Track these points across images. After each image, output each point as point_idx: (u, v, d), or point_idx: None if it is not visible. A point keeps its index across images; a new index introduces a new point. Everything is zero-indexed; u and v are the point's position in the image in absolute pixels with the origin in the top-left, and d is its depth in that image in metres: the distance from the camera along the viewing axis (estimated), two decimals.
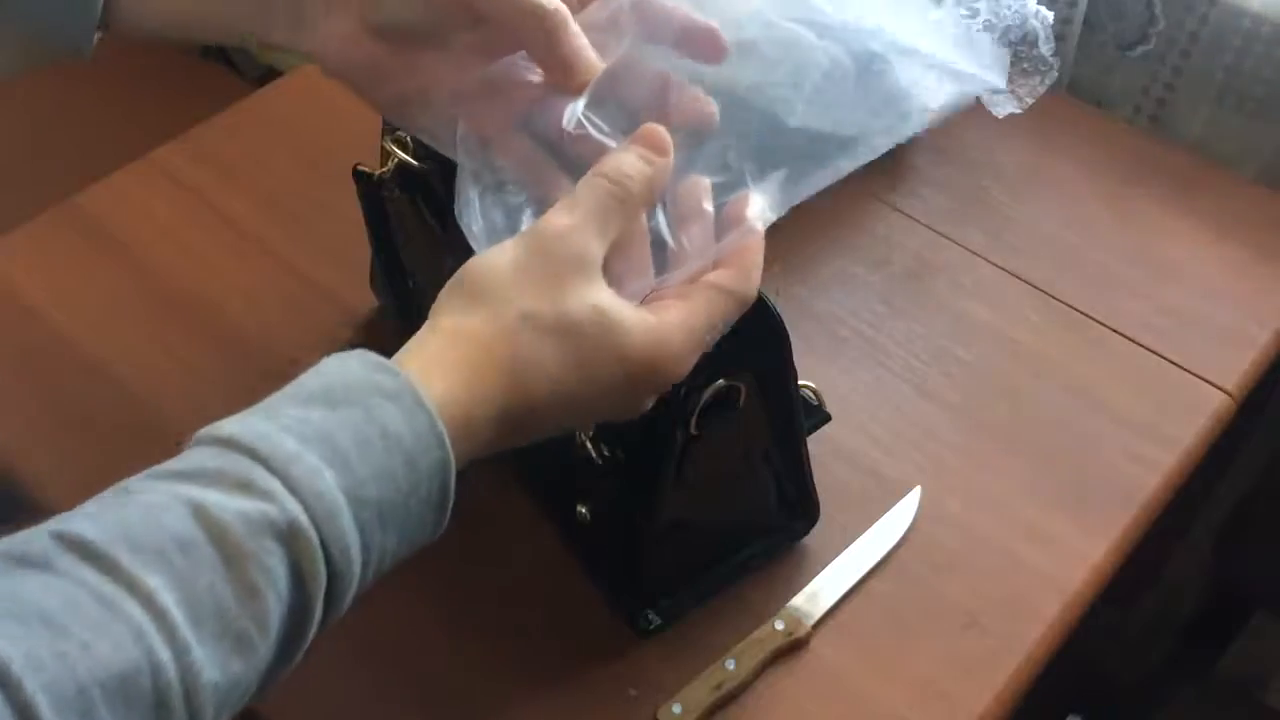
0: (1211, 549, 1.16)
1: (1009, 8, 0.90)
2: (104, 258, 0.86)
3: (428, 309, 0.51)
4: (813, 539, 0.71)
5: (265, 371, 0.78)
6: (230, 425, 0.43)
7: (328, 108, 0.93)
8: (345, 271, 0.82)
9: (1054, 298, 0.85)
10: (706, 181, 0.55)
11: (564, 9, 0.53)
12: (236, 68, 1.64)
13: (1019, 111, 0.88)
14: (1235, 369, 0.81)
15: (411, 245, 0.74)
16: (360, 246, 0.78)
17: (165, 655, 0.38)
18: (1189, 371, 0.80)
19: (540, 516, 0.72)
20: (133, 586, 0.38)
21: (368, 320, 0.82)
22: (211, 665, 0.39)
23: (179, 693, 0.38)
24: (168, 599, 0.39)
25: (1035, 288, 0.85)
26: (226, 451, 0.42)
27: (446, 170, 0.66)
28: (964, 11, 0.90)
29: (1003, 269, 0.86)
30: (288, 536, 0.41)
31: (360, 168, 0.71)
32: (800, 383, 0.63)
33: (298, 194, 0.89)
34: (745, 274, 0.53)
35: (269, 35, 0.56)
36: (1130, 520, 0.73)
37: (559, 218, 0.50)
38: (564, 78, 0.54)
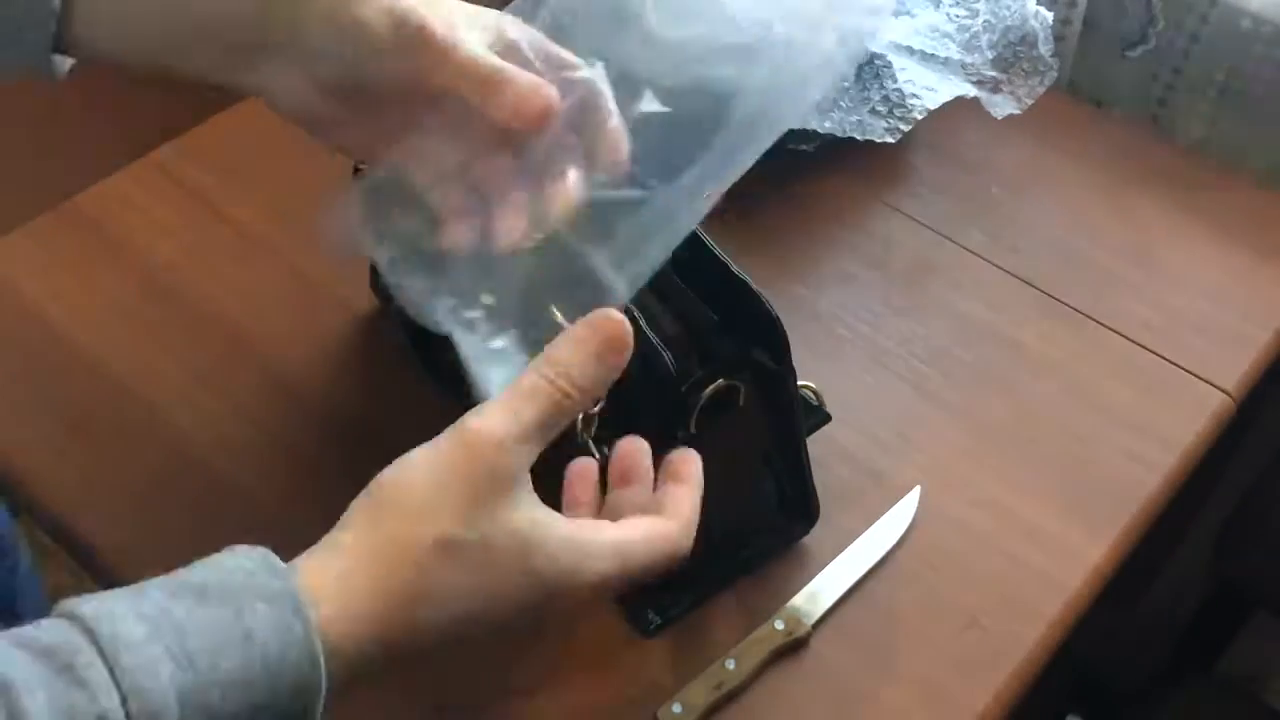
0: (1211, 549, 1.16)
1: (1008, 8, 0.90)
2: (104, 258, 0.86)
3: None
4: (813, 539, 0.71)
5: (264, 371, 0.79)
6: (89, 601, 0.41)
7: None
8: (345, 271, 0.82)
9: (1054, 298, 0.85)
10: (645, 444, 0.53)
11: (508, 67, 0.52)
12: None
13: (1018, 112, 0.89)
14: (1235, 369, 0.81)
15: None
16: None
17: None
18: (1189, 371, 0.80)
19: None
20: None
21: (368, 320, 0.82)
22: None
23: None
24: None
25: (1035, 288, 0.85)
26: (70, 627, 0.40)
27: None
28: (963, 12, 0.90)
29: (1003, 269, 0.86)
30: None
31: (361, 167, 0.71)
32: (800, 383, 0.63)
33: (298, 194, 0.89)
34: (687, 527, 0.51)
35: (234, 79, 0.55)
36: (1130, 520, 0.73)
37: (496, 424, 0.47)
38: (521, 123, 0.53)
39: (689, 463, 0.53)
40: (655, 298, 0.61)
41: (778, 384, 0.61)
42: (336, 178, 0.73)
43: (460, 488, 0.46)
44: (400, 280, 0.54)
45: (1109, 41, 0.98)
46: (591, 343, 0.49)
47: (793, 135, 0.86)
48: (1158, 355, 0.81)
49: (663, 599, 0.68)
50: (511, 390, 0.48)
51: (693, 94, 0.55)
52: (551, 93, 0.52)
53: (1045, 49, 0.89)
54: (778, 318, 0.59)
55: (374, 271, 0.80)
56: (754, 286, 0.59)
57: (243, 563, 0.43)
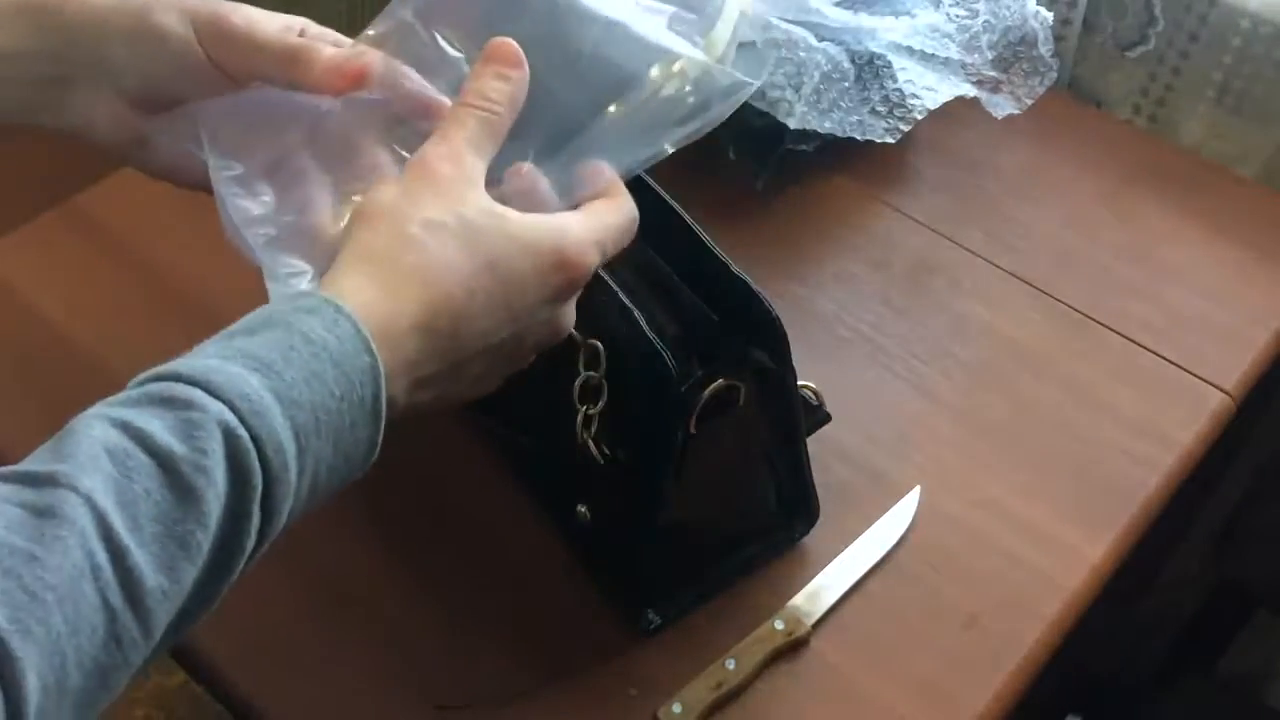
0: (1211, 549, 1.16)
1: (1008, 8, 0.90)
2: (104, 258, 0.86)
3: None
4: (813, 539, 0.71)
5: None
6: (155, 369, 0.44)
7: None
8: None
9: (1054, 298, 0.85)
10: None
11: (312, 44, 0.56)
12: None
13: (1018, 112, 0.89)
14: (1235, 369, 0.81)
15: None
16: None
17: (103, 558, 0.38)
18: (1189, 371, 0.80)
19: (540, 516, 0.72)
20: (74, 488, 0.39)
21: None
22: (154, 570, 0.39)
23: (121, 596, 0.38)
24: (106, 502, 0.39)
25: (1035, 288, 0.85)
26: (149, 382, 0.43)
27: None
28: (963, 12, 0.90)
29: (1003, 269, 0.86)
30: (220, 437, 0.41)
31: None
32: (800, 383, 0.63)
33: None
34: (626, 197, 0.55)
35: (37, 119, 0.57)
36: (1130, 520, 0.73)
37: (436, 147, 0.52)
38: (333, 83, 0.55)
39: (597, 168, 0.55)
40: (655, 298, 0.61)
41: (778, 384, 0.61)
42: None
43: (427, 188, 0.51)
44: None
45: (1109, 41, 0.98)
46: (489, 66, 0.54)
47: (793, 135, 0.86)
48: (1158, 355, 0.81)
49: (663, 599, 0.68)
50: (441, 123, 0.53)
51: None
52: (367, 58, 0.56)
53: (1045, 49, 0.89)
54: (778, 318, 0.59)
55: None
56: (754, 286, 0.59)
57: (269, 304, 0.47)
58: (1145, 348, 0.82)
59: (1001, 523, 0.73)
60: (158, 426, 0.41)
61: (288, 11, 0.59)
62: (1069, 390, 0.80)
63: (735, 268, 0.60)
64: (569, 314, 0.55)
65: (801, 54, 0.83)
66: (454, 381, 0.52)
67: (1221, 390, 0.80)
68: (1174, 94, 0.97)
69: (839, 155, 0.89)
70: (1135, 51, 0.97)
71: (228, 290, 0.83)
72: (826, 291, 0.85)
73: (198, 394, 0.42)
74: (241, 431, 0.41)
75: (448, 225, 0.50)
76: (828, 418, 0.69)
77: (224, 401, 0.42)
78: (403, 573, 0.70)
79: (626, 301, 0.58)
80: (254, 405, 0.42)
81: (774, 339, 0.59)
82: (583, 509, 0.66)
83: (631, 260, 0.62)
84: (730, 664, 0.65)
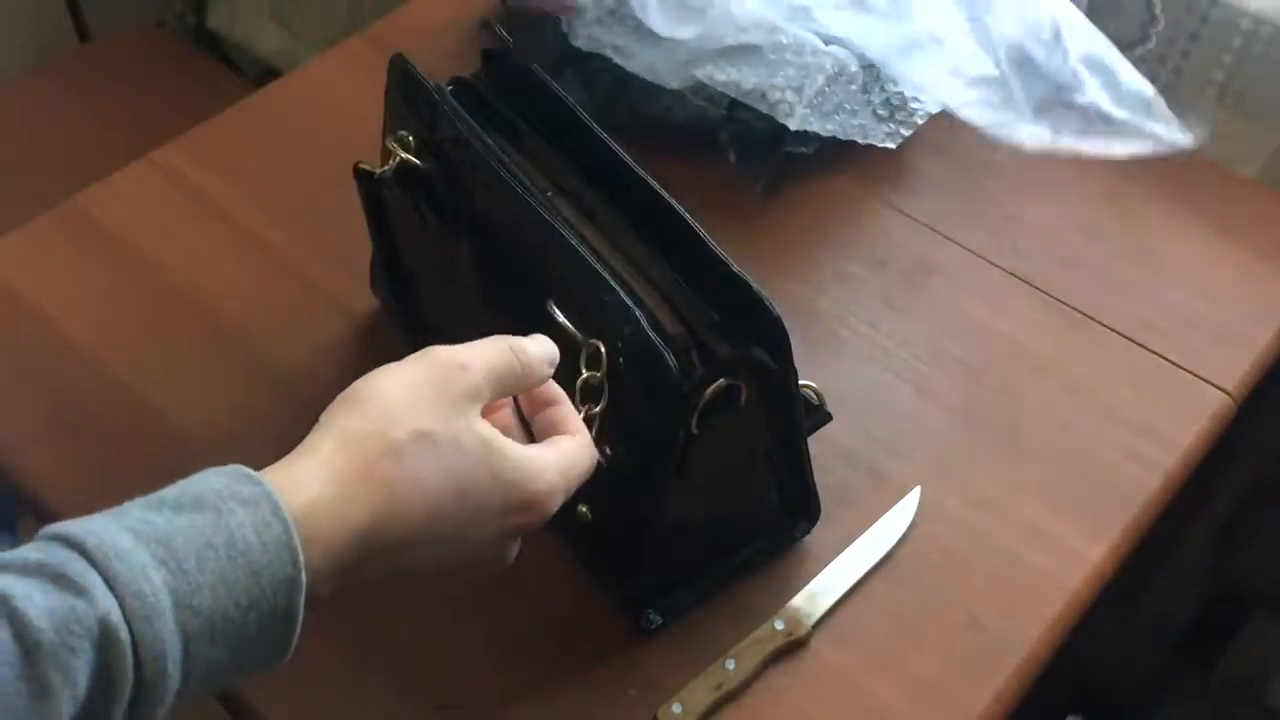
0: (1211, 549, 1.16)
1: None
2: (104, 258, 0.86)
3: (427, 309, 0.51)
4: (813, 539, 0.71)
5: (265, 371, 0.79)
6: (70, 523, 0.42)
7: (328, 108, 0.93)
8: (345, 271, 0.82)
9: (1054, 298, 0.85)
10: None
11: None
12: (237, 67, 1.64)
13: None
14: (1235, 369, 0.81)
15: (412, 244, 0.75)
16: (361, 247, 0.78)
17: None
18: (1189, 371, 0.80)
19: None
20: None
21: (368, 320, 0.82)
22: None
23: None
24: None
25: (1035, 288, 0.85)
26: (55, 545, 0.41)
27: (448, 170, 0.67)
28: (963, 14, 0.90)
29: (1003, 269, 0.86)
30: (96, 636, 0.39)
31: (361, 166, 0.71)
32: (801, 382, 0.63)
33: (298, 194, 0.89)
34: (587, 437, 0.57)
35: None
36: (1130, 520, 0.73)
37: (459, 355, 0.52)
38: None
39: (549, 385, 0.57)
40: (656, 297, 0.61)
41: (779, 384, 0.61)
42: (336, 178, 0.73)
43: (432, 394, 0.50)
44: None
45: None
46: (540, 342, 0.56)
47: (793, 137, 0.86)
48: (1158, 355, 0.81)
49: (663, 599, 0.68)
50: (473, 341, 0.54)
51: None
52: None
53: None
54: (779, 317, 0.59)
55: (373, 271, 0.80)
56: (755, 286, 0.59)
57: (214, 477, 0.45)
58: (1145, 348, 0.82)
59: (1001, 523, 0.73)
60: (39, 608, 0.39)
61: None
62: (1069, 390, 0.80)
63: (736, 267, 0.60)
64: (515, 549, 0.55)
65: (807, 58, 0.83)
66: (388, 585, 0.51)
67: (1221, 390, 0.80)
68: (1174, 94, 0.97)
69: (839, 156, 0.89)
70: (1135, 51, 0.97)
71: (227, 290, 0.84)
72: (826, 291, 0.85)
73: (94, 580, 0.40)
74: (124, 634, 0.39)
75: (436, 441, 0.49)
76: (828, 417, 0.69)
77: (117, 596, 0.40)
78: None
79: (627, 301, 0.58)
80: (147, 608, 0.40)
81: (775, 338, 0.59)
82: (583, 509, 0.66)
83: (632, 260, 0.62)
84: (730, 664, 0.65)
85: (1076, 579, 0.71)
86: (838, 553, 0.71)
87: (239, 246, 0.86)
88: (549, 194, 0.65)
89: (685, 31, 0.83)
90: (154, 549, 0.41)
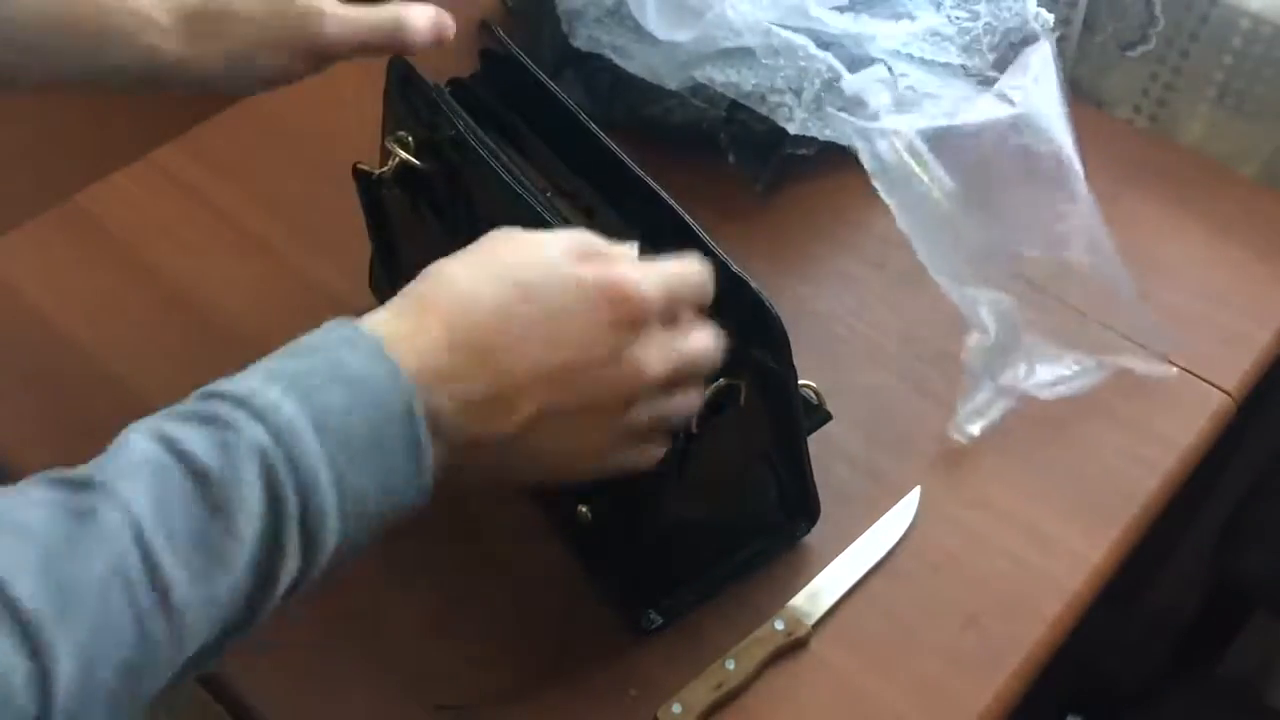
0: (1211, 549, 1.16)
1: (1009, 10, 0.90)
2: (104, 258, 0.86)
3: None
4: (813, 539, 0.71)
5: None
6: (207, 386, 0.46)
7: (328, 108, 0.93)
8: (345, 271, 0.82)
9: (1054, 297, 0.84)
10: None
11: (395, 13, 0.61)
12: None
13: None
14: (1235, 369, 0.81)
15: (412, 244, 0.75)
16: (360, 246, 0.78)
17: (135, 561, 0.40)
18: (1189, 371, 0.80)
19: (541, 517, 0.72)
20: (114, 495, 0.40)
21: None
22: (186, 578, 0.40)
23: (151, 599, 0.40)
24: (142, 511, 0.40)
25: (1035, 287, 0.85)
26: (195, 399, 0.45)
27: (447, 170, 0.67)
28: (964, 14, 0.90)
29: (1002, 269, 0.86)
30: (256, 461, 0.43)
31: (360, 167, 0.71)
32: (800, 382, 0.63)
33: (298, 194, 0.89)
34: (697, 260, 0.56)
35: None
36: (1130, 520, 0.73)
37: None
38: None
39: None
40: None
41: (778, 383, 0.61)
42: (336, 178, 0.73)
43: (486, 240, 0.53)
44: None
45: (1109, 41, 0.98)
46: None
47: (792, 139, 0.86)
48: (1158, 355, 0.81)
49: (663, 599, 0.68)
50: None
51: None
52: (446, 19, 0.62)
53: None
54: (778, 316, 0.59)
55: (373, 271, 0.80)
56: (754, 285, 0.59)
57: (314, 334, 0.48)
58: (1146, 347, 0.82)
59: (1001, 523, 0.73)
60: (199, 445, 0.42)
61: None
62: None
63: (735, 266, 0.60)
64: (647, 352, 0.52)
65: (801, 62, 0.83)
66: (499, 403, 0.49)
67: (1221, 390, 0.80)
68: (1174, 94, 0.97)
69: (839, 156, 0.89)
70: (1135, 51, 0.97)
71: (227, 290, 0.84)
72: (826, 291, 0.85)
73: (240, 416, 0.43)
74: (277, 457, 0.43)
75: (483, 263, 0.51)
76: (829, 417, 0.69)
77: (263, 425, 0.43)
78: (402, 573, 0.70)
79: None
80: (290, 431, 0.43)
81: (775, 338, 0.59)
82: (584, 509, 0.66)
83: None
84: (730, 664, 0.65)
85: (1076, 579, 0.71)
86: (838, 553, 0.71)
87: (238, 246, 0.86)
88: (548, 194, 0.65)
89: (683, 34, 0.83)
90: (284, 385, 0.44)
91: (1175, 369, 0.80)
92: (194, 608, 0.41)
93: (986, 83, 0.89)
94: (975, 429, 0.76)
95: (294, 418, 0.44)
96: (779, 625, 0.67)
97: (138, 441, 0.43)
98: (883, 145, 0.74)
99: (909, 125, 0.76)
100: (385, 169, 0.68)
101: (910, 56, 0.87)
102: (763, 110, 0.84)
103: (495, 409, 0.49)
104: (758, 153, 0.89)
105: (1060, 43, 0.96)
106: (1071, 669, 0.75)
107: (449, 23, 0.62)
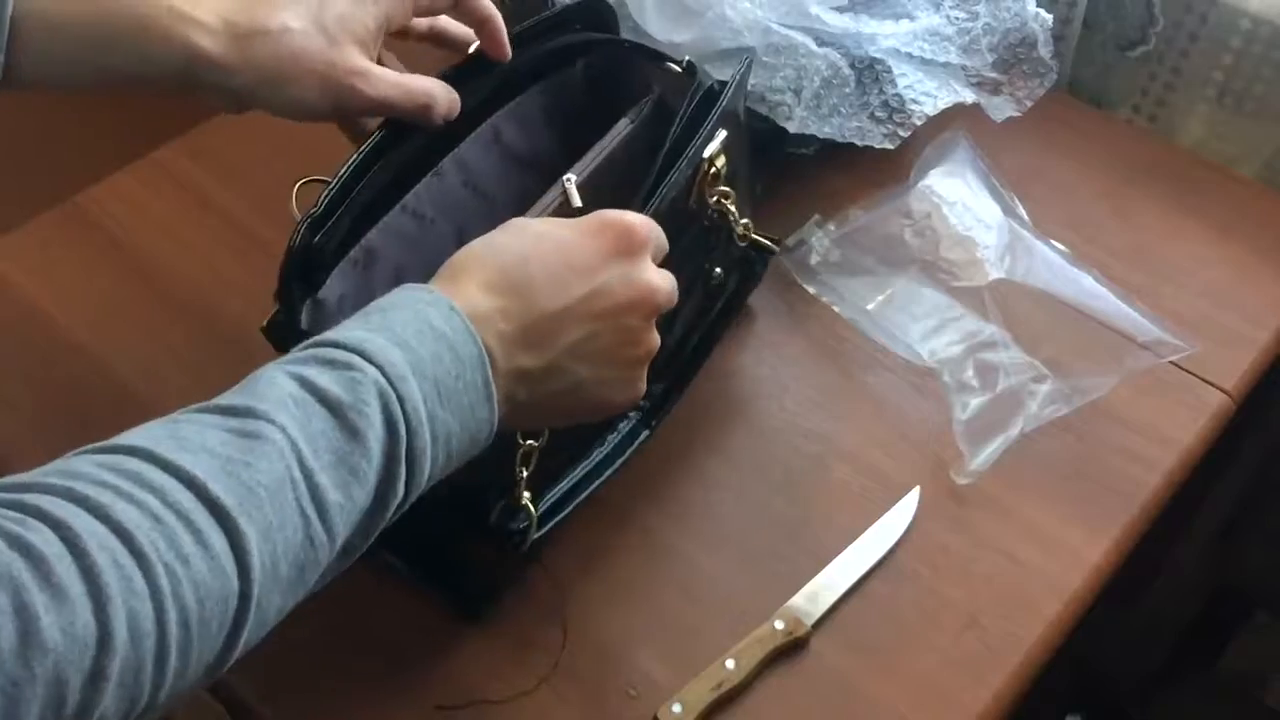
0: (1211, 549, 1.16)
1: (1008, 10, 0.90)
2: (104, 257, 0.86)
3: None
4: (813, 539, 0.71)
5: None
6: (314, 338, 0.52)
7: None
8: None
9: (1054, 297, 0.84)
10: None
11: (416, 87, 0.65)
12: None
13: (1018, 114, 0.89)
14: (1235, 369, 0.81)
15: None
16: None
17: (297, 473, 0.46)
18: (1189, 371, 0.80)
19: None
20: (271, 420, 0.46)
21: None
22: (334, 488, 0.47)
23: (311, 505, 0.46)
24: (296, 434, 0.46)
25: (1035, 287, 0.85)
26: (311, 347, 0.50)
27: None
28: (963, 15, 0.90)
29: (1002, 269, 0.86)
30: (376, 394, 0.48)
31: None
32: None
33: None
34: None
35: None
36: (1130, 520, 0.74)
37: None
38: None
39: None
40: None
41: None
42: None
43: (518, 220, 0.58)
44: None
45: (1109, 41, 0.98)
46: None
47: (793, 139, 0.86)
48: (1158, 355, 0.81)
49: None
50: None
51: None
52: (452, 95, 0.66)
53: (1045, 51, 0.89)
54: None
55: None
56: None
57: (396, 293, 0.54)
58: (1146, 347, 0.82)
59: (1001, 523, 0.73)
60: (326, 381, 0.48)
61: None
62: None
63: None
64: (646, 271, 0.57)
65: (801, 60, 0.83)
66: (550, 349, 0.55)
67: (1221, 390, 0.80)
68: (1174, 94, 0.97)
69: (839, 156, 0.89)
70: (1135, 51, 0.97)
71: (227, 290, 0.84)
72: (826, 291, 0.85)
73: (356, 359, 0.49)
74: (391, 393, 0.49)
75: (500, 230, 0.56)
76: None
77: (376, 366, 0.49)
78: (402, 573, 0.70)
79: None
80: (398, 372, 0.49)
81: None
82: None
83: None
84: (730, 664, 0.65)
85: (1076, 579, 0.71)
86: (838, 553, 0.71)
87: (239, 246, 0.86)
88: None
89: (682, 35, 0.83)
90: (386, 335, 0.50)
91: (1175, 369, 0.80)
92: (341, 515, 0.47)
93: (984, 83, 0.89)
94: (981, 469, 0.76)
95: (399, 363, 0.49)
96: (779, 625, 0.67)
97: (279, 379, 0.48)
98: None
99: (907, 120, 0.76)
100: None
101: (910, 56, 0.87)
102: (762, 110, 0.84)
103: (533, 340, 0.54)
104: (758, 152, 0.89)
105: (1060, 43, 0.96)
106: (1071, 669, 0.75)
107: (458, 103, 0.66)
